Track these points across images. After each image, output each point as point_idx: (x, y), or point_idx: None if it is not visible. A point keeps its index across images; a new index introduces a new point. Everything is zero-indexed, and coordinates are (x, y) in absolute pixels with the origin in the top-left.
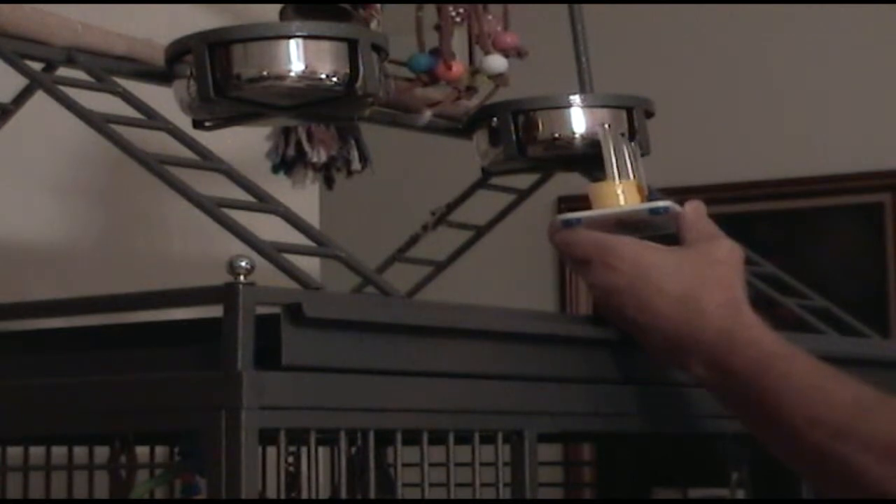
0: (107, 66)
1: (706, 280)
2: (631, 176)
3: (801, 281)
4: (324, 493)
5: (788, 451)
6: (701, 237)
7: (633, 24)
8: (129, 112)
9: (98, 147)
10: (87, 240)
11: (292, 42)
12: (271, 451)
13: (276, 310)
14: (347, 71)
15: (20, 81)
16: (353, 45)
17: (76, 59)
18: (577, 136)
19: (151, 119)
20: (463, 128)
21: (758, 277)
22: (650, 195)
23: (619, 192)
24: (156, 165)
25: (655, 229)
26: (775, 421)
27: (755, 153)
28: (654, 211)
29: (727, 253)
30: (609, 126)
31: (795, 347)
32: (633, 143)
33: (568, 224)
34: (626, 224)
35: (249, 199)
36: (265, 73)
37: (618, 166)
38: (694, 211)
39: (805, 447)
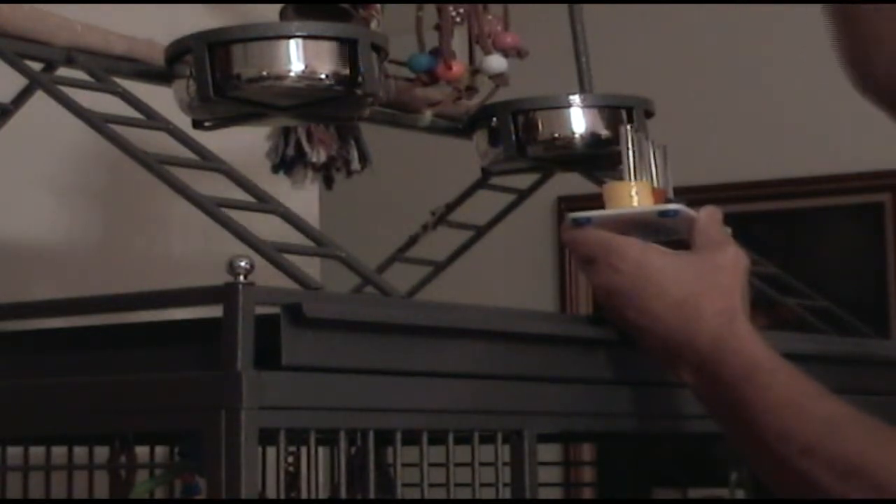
0: (107, 66)
1: (706, 286)
2: (653, 178)
3: (801, 281)
4: (323, 493)
5: (761, 463)
6: (709, 243)
7: (633, 24)
8: (129, 112)
9: (98, 147)
10: (87, 240)
11: (292, 42)
12: (271, 451)
13: (275, 310)
14: (347, 71)
15: (20, 81)
16: (353, 45)
17: (76, 59)
18: (576, 136)
19: (151, 119)
20: (463, 128)
21: (758, 277)
22: (672, 200)
23: (633, 192)
24: (156, 165)
25: (668, 232)
26: (751, 432)
27: (755, 153)
28: (663, 213)
29: (731, 260)
30: (631, 127)
31: (781, 361)
32: (662, 148)
33: (578, 222)
34: (637, 225)
35: (249, 199)
36: (265, 73)
37: (634, 167)
38: (707, 216)
39: (775, 461)
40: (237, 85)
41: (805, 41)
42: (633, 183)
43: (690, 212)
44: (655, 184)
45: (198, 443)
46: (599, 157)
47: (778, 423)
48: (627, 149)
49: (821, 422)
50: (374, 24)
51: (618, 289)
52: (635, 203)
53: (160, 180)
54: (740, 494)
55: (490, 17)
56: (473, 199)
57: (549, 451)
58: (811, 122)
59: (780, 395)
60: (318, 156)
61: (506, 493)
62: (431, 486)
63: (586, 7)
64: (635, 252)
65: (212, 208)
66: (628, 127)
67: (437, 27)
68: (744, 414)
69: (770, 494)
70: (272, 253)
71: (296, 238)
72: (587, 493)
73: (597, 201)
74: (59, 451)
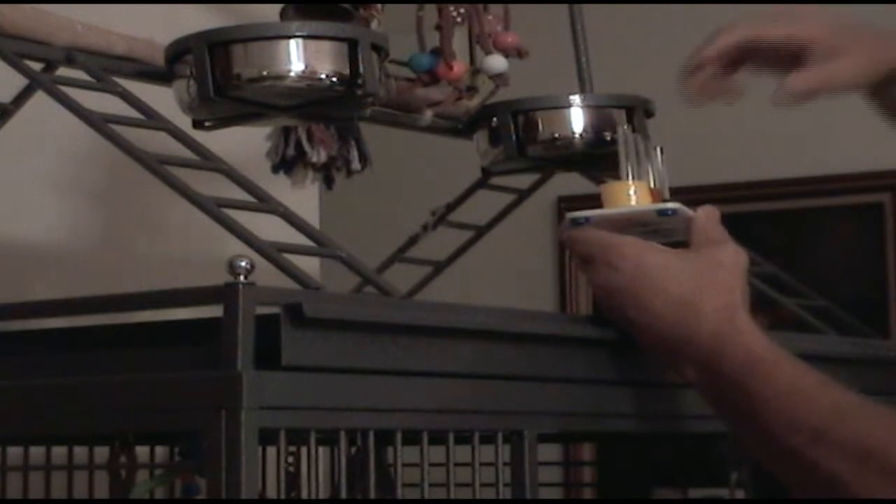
0: (107, 66)
1: (706, 284)
2: (651, 178)
3: (801, 281)
4: (324, 493)
5: (769, 455)
6: (707, 241)
7: (633, 24)
8: (129, 112)
9: (98, 147)
10: (87, 240)
11: (292, 42)
12: (271, 451)
13: (276, 310)
14: (348, 71)
15: (20, 81)
16: (353, 45)
17: (76, 59)
18: (577, 136)
19: (151, 119)
20: (463, 128)
21: (758, 277)
22: (668, 201)
23: (631, 192)
24: (156, 165)
25: (666, 232)
26: (757, 424)
27: (755, 153)
28: (662, 212)
29: (730, 258)
30: (628, 128)
31: (784, 353)
32: (658, 148)
33: (576, 222)
34: (635, 225)
35: (249, 199)
36: (265, 73)
37: (632, 167)
38: (705, 215)
39: (784, 451)
40: (237, 85)
41: None
42: (631, 183)
43: (688, 211)
44: (652, 184)
45: (198, 443)
46: (599, 157)
47: (786, 413)
48: (625, 149)
49: (829, 409)
50: (374, 24)
51: (617, 287)
52: (633, 202)
53: (160, 180)
54: (740, 494)
55: (490, 17)
56: (473, 199)
57: (549, 451)
58: (812, 122)
59: (785, 385)
60: (319, 156)
61: (506, 493)
62: (432, 485)
63: (586, 7)
64: (634, 251)
65: (212, 208)
66: (625, 127)
67: (438, 27)
68: (749, 407)
69: (770, 494)
70: (272, 253)
71: (296, 238)
72: (587, 493)
73: (597, 201)
74: (59, 451)
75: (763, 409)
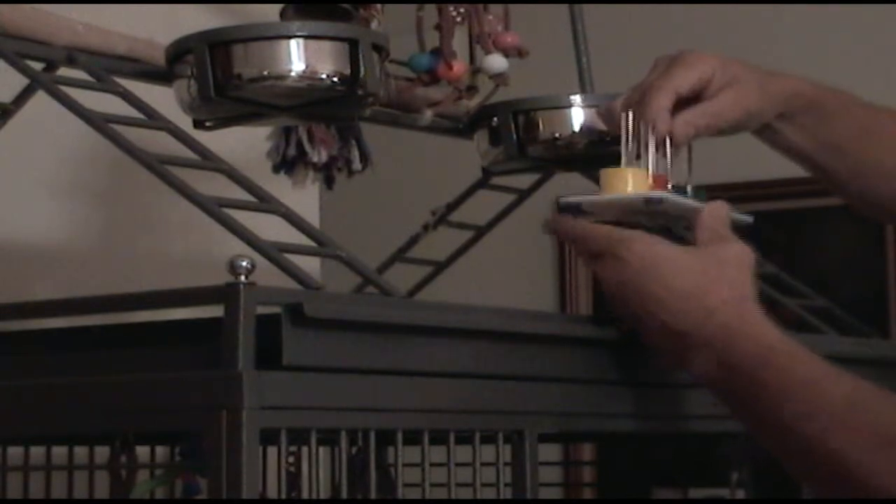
0: (107, 66)
1: (714, 278)
2: (675, 167)
3: (801, 281)
4: (324, 493)
5: (783, 446)
6: (712, 239)
7: (633, 24)
8: (130, 112)
9: (98, 147)
10: (87, 240)
11: (293, 42)
12: (271, 451)
13: (276, 310)
14: (348, 71)
15: (20, 81)
16: (353, 45)
17: (76, 59)
18: (577, 136)
19: (152, 119)
20: (463, 128)
21: (758, 277)
22: (680, 186)
23: (629, 179)
24: (156, 165)
25: (676, 219)
26: (771, 415)
27: (755, 153)
28: (649, 201)
29: (737, 255)
30: (632, 114)
31: (796, 344)
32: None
33: (567, 206)
34: (636, 213)
35: (250, 199)
36: (266, 73)
37: (631, 153)
38: (710, 212)
39: (798, 441)
40: (238, 85)
41: (805, 40)
42: (629, 169)
43: (693, 203)
44: (660, 171)
45: (198, 443)
46: (599, 157)
47: (799, 403)
48: (625, 134)
49: (845, 398)
50: (374, 24)
51: (625, 281)
52: (630, 189)
53: (161, 180)
54: (740, 494)
55: (490, 16)
56: (473, 199)
57: (550, 451)
58: None
59: (799, 375)
60: (320, 156)
61: (507, 493)
62: (432, 485)
63: (586, 7)
64: (642, 245)
65: (213, 208)
66: (628, 113)
67: (438, 27)
68: (763, 398)
69: (770, 494)
70: (273, 253)
71: (297, 238)
72: (587, 493)
73: None
74: (59, 451)
75: (778, 400)
